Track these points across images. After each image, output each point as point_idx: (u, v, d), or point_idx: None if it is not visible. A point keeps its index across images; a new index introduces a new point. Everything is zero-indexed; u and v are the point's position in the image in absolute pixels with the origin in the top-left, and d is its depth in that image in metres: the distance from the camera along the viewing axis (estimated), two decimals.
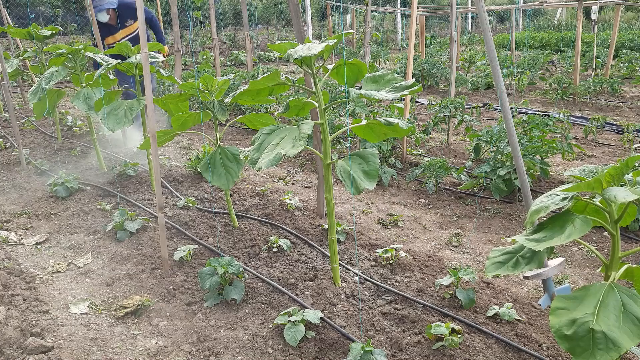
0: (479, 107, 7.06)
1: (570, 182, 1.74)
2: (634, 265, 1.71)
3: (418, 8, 13.31)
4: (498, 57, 5.08)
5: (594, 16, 9.40)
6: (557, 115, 6.07)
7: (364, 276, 2.94)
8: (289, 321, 2.38)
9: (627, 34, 14.66)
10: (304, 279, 2.91)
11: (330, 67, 2.73)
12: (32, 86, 7.11)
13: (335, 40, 2.41)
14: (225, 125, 5.56)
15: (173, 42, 5.84)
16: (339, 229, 3.43)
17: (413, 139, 5.63)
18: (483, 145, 4.87)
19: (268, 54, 14.84)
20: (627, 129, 5.90)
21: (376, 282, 2.88)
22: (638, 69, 10.07)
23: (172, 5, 5.51)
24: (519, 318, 2.56)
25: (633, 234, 3.54)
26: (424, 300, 2.70)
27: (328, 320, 2.48)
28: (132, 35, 5.76)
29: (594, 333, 1.45)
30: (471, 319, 2.54)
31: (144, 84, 2.84)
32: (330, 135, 2.73)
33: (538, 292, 2.91)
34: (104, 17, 5.50)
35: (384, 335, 2.41)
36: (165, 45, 5.76)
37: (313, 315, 2.40)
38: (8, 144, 5.80)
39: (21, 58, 5.36)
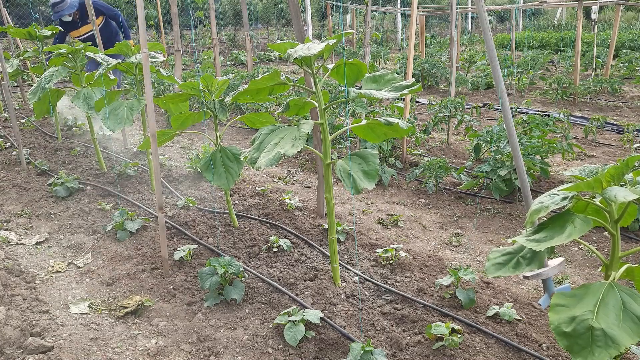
0: (479, 107, 7.06)
1: (571, 182, 1.74)
2: (634, 265, 1.71)
3: (418, 8, 13.31)
4: (498, 57, 5.08)
5: (594, 16, 9.40)
6: (557, 115, 6.07)
7: (364, 276, 2.94)
8: (289, 321, 2.38)
9: (627, 34, 14.66)
10: (304, 279, 2.91)
11: (330, 66, 2.73)
12: (32, 86, 7.12)
13: (335, 40, 2.41)
14: (226, 124, 5.57)
15: (173, 42, 5.85)
16: (339, 228, 3.43)
17: (413, 139, 5.63)
18: (483, 145, 4.87)
19: (268, 53, 14.85)
20: (627, 129, 5.90)
21: (376, 282, 2.88)
22: (638, 68, 10.07)
23: (172, 5, 5.51)
24: (519, 318, 2.56)
25: (633, 233, 3.54)
26: (424, 300, 2.70)
27: (328, 320, 2.48)
28: (94, 30, 6.23)
29: (593, 330, 1.45)
30: (471, 319, 2.54)
31: (145, 83, 2.84)
32: (330, 135, 2.73)
33: (538, 292, 2.91)
34: (68, 18, 6.27)
35: (384, 335, 2.41)
36: (131, 40, 6.24)
37: (313, 315, 2.40)
38: (8, 144, 5.80)
39: (21, 58, 5.36)
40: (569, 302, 1.56)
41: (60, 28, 5.62)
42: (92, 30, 6.30)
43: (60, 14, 6.06)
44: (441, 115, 5.56)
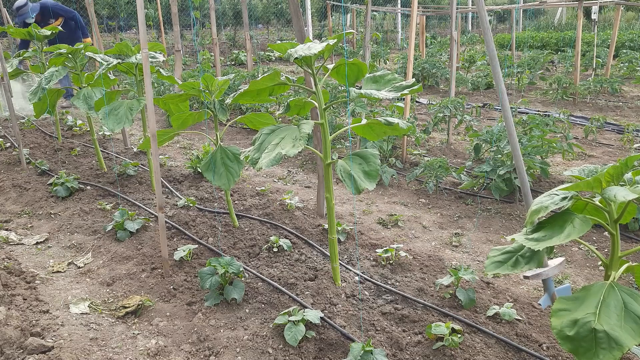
0: (479, 106, 7.06)
1: (570, 182, 1.74)
2: (634, 264, 1.71)
3: (418, 8, 13.29)
4: (498, 57, 5.08)
5: (594, 16, 9.39)
6: (557, 115, 6.07)
7: (364, 276, 2.94)
8: (289, 321, 2.38)
9: (627, 34, 14.65)
10: (304, 279, 2.91)
11: (330, 66, 2.73)
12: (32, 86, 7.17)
13: (335, 40, 2.41)
14: (226, 125, 5.57)
15: (173, 42, 5.87)
16: (339, 228, 3.43)
17: (413, 139, 5.63)
18: (483, 145, 4.87)
19: (268, 53, 14.84)
20: (627, 129, 5.90)
21: (376, 282, 2.88)
22: (638, 68, 10.06)
23: (172, 5, 5.52)
24: (519, 318, 2.56)
25: (633, 233, 3.54)
26: (424, 300, 2.70)
27: (328, 320, 2.48)
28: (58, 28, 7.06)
29: (596, 333, 1.45)
30: (471, 319, 2.54)
31: (145, 83, 2.84)
32: (331, 135, 2.73)
33: (538, 292, 2.91)
34: (31, 20, 6.89)
35: (384, 335, 2.41)
36: (89, 38, 7.39)
37: (313, 315, 2.40)
38: (8, 144, 5.80)
39: (21, 58, 5.36)
40: (571, 306, 1.56)
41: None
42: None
43: (23, 17, 6.90)
44: (441, 115, 5.56)
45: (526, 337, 2.42)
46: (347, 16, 19.61)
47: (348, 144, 5.45)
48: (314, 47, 2.38)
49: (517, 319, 2.55)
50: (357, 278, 2.93)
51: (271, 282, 2.86)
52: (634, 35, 14.22)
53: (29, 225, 3.80)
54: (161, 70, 4.09)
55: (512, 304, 2.62)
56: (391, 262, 3.13)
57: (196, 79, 3.33)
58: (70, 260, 3.26)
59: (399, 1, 21.13)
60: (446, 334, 2.26)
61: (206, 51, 13.12)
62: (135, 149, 5.66)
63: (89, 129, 5.80)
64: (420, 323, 2.50)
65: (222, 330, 2.49)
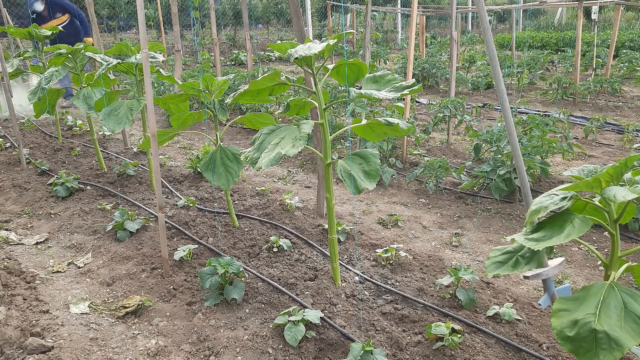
0: (479, 107, 7.06)
1: (570, 182, 1.74)
2: (634, 264, 1.71)
3: (418, 8, 13.28)
4: (498, 57, 5.08)
5: (594, 16, 9.39)
6: (557, 115, 6.07)
7: (364, 276, 2.94)
8: (289, 321, 2.38)
9: (627, 34, 14.64)
10: (304, 279, 2.91)
11: (330, 66, 2.73)
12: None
13: (335, 40, 2.41)
14: (226, 125, 5.57)
15: (173, 42, 5.87)
16: (339, 228, 3.43)
17: (413, 139, 5.63)
18: (483, 145, 4.87)
19: (268, 53, 14.84)
20: (627, 129, 5.90)
21: (376, 282, 2.88)
22: (638, 68, 10.06)
23: (172, 5, 5.52)
24: (519, 318, 2.56)
25: (633, 233, 3.54)
26: (424, 300, 2.70)
27: (328, 320, 2.48)
28: (61, 25, 7.12)
29: (596, 333, 1.45)
30: (471, 319, 2.54)
31: (145, 83, 2.84)
32: (331, 135, 2.73)
33: (538, 292, 2.91)
34: (40, 7, 6.95)
35: (384, 335, 2.41)
36: (90, 38, 7.37)
37: (313, 315, 2.40)
38: (8, 144, 5.80)
39: (21, 58, 5.36)
40: (571, 306, 1.56)
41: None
42: (59, 24, 7.00)
43: (32, 1, 7.00)
44: (441, 115, 5.56)
45: (526, 337, 2.42)
46: (347, 16, 19.60)
47: (348, 144, 5.45)
48: (314, 47, 2.38)
49: (517, 319, 2.55)
50: (357, 278, 2.93)
51: (271, 282, 2.86)
52: (634, 35, 14.21)
53: (29, 225, 3.80)
54: (161, 70, 4.09)
55: (512, 304, 2.62)
56: (391, 262, 3.13)
57: (196, 79, 3.33)
58: (70, 260, 3.26)
59: (399, 1, 21.13)
60: (446, 334, 2.26)
61: (206, 51, 13.11)
62: (135, 149, 5.66)
63: (89, 129, 5.81)
64: (420, 323, 2.50)
65: (222, 330, 2.49)
